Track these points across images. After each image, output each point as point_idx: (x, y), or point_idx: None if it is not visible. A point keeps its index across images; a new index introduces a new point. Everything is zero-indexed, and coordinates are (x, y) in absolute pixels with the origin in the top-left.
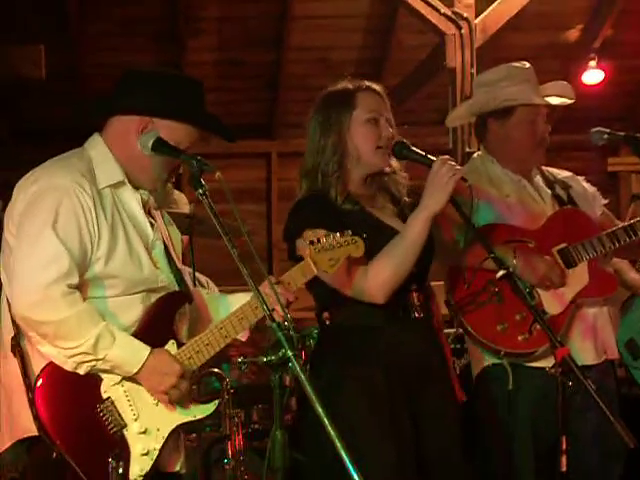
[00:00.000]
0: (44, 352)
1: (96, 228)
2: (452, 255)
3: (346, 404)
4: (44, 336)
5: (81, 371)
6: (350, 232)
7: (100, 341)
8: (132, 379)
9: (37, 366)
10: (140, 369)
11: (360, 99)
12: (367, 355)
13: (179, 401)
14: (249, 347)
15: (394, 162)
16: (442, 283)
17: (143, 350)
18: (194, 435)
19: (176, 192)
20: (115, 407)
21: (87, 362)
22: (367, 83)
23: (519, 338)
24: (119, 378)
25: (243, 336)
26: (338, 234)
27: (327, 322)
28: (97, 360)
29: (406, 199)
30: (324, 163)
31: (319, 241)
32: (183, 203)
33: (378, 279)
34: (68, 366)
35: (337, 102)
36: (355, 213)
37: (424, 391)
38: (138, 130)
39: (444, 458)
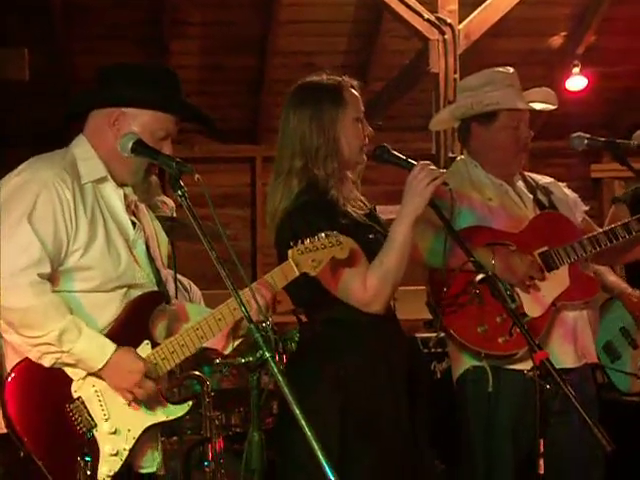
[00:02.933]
0: (10, 340)
1: (74, 222)
2: (419, 267)
3: (323, 403)
4: (10, 324)
5: (45, 362)
6: (336, 233)
7: (65, 334)
8: (100, 377)
9: (10, 362)
10: (104, 365)
11: (348, 97)
12: (354, 349)
13: (145, 400)
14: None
15: None
16: (423, 287)
17: (108, 347)
18: (175, 438)
19: (165, 198)
20: (85, 407)
21: (51, 353)
22: (349, 80)
23: (499, 340)
24: (89, 377)
25: (219, 343)
26: (323, 234)
27: (304, 319)
28: (62, 352)
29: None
30: (321, 164)
31: (302, 242)
32: (171, 207)
33: (380, 295)
34: (32, 355)
35: (329, 98)
36: (355, 216)
37: (408, 383)
38: (110, 123)
39: (420, 452)
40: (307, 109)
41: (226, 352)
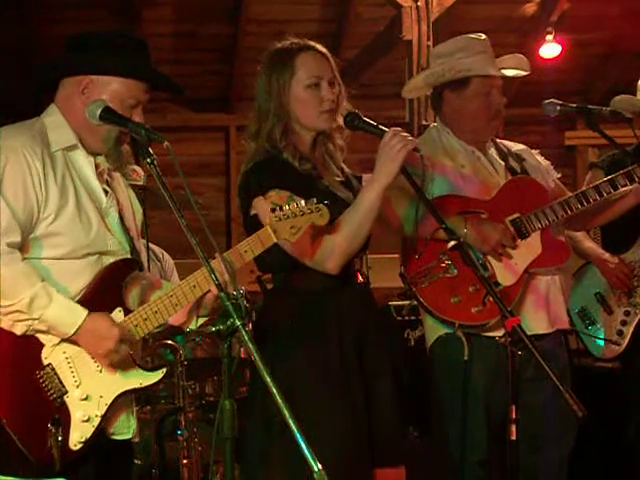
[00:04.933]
0: None
1: (44, 189)
2: (400, 236)
3: (299, 372)
4: None
5: (17, 330)
6: (315, 200)
7: (35, 300)
8: (74, 343)
9: None
10: (76, 331)
11: (300, 62)
12: (321, 319)
13: (120, 364)
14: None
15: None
16: (398, 255)
17: (80, 312)
18: (148, 407)
19: (135, 166)
20: (56, 373)
21: (22, 321)
22: (308, 43)
23: (473, 310)
24: (61, 344)
25: (178, 318)
26: (303, 201)
27: (269, 286)
28: (33, 320)
29: (347, 169)
30: (269, 128)
31: (281, 209)
32: (142, 175)
33: (332, 256)
34: (4, 324)
35: (278, 65)
36: (313, 177)
37: (371, 351)
38: (79, 91)
39: (387, 422)
40: (262, 75)
41: (187, 329)
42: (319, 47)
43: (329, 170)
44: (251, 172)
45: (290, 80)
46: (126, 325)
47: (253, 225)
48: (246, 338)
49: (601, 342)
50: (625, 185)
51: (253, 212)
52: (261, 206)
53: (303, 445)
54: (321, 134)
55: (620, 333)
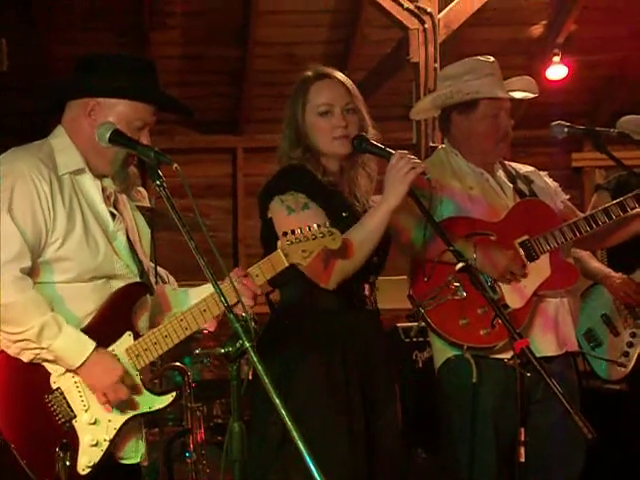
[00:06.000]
0: None
1: (52, 213)
2: (409, 254)
3: (303, 390)
4: None
5: (24, 358)
6: (328, 224)
7: (45, 330)
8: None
9: None
10: (83, 363)
11: (314, 90)
12: (326, 339)
13: (116, 404)
14: (210, 340)
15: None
16: (406, 277)
17: (88, 345)
18: (156, 429)
19: (140, 187)
20: (65, 398)
21: (30, 350)
22: (323, 71)
23: (481, 332)
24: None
25: (211, 326)
26: (315, 225)
27: (275, 304)
28: (41, 349)
29: (371, 202)
30: (290, 152)
31: (293, 233)
32: (145, 197)
33: (334, 267)
34: (12, 351)
35: (295, 93)
36: (334, 190)
37: (375, 378)
38: (86, 113)
39: (389, 444)
40: (288, 101)
41: (196, 351)
42: (336, 75)
43: (354, 197)
44: (273, 177)
45: (303, 108)
46: (132, 353)
47: (267, 230)
48: (255, 360)
49: (607, 364)
50: (634, 208)
51: (269, 215)
52: (277, 208)
53: (310, 462)
54: (347, 160)
55: (626, 355)
